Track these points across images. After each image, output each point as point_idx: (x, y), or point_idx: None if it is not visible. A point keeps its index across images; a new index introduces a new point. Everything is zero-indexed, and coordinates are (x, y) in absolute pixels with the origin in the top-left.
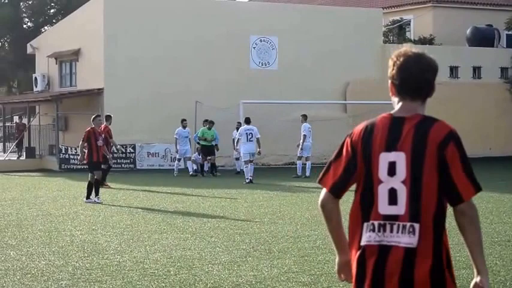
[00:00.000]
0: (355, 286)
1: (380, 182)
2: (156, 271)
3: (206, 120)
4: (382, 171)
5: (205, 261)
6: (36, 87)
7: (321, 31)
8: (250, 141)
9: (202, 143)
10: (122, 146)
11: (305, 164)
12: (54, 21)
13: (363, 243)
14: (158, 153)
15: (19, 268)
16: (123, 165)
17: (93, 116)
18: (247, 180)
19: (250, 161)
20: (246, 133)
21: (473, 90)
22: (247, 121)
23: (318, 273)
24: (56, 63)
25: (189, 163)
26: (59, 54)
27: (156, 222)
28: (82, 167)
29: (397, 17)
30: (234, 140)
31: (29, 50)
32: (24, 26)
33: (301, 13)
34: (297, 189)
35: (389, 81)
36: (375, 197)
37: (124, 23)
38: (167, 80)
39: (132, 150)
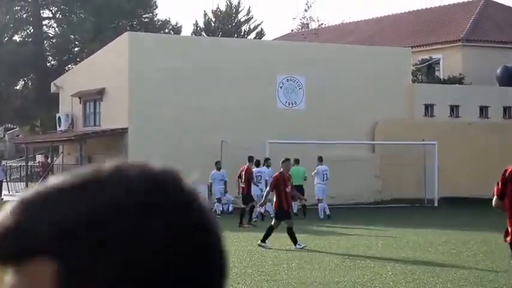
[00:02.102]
0: None
1: None
2: None
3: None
4: None
5: None
6: (59, 126)
7: (348, 70)
8: (259, 183)
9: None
10: None
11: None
12: (78, 59)
13: None
14: None
15: None
16: None
17: (283, 160)
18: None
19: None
20: (256, 176)
21: (503, 130)
22: (258, 164)
23: None
24: (80, 103)
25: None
26: (83, 93)
27: None
28: None
29: (426, 56)
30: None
31: (53, 89)
32: (48, 64)
33: (328, 52)
34: (324, 232)
35: None
36: None
37: (148, 62)
38: (192, 120)
39: None
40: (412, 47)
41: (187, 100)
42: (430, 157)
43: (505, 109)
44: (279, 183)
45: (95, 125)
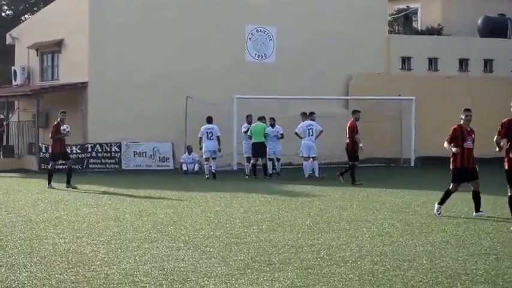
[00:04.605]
0: None
1: None
2: (147, 285)
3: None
4: None
5: (200, 273)
6: (15, 80)
7: (321, 21)
8: (210, 139)
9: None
10: (107, 144)
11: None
12: (35, 9)
13: None
14: (146, 152)
15: None
16: (107, 165)
17: (464, 108)
18: (206, 176)
19: (213, 158)
20: (207, 132)
21: (484, 84)
22: (209, 120)
23: (323, 287)
24: (37, 55)
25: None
26: (40, 45)
27: (145, 230)
28: (63, 167)
29: (403, 6)
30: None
31: (8, 40)
32: (3, 14)
33: (300, 1)
34: (296, 192)
35: None
36: None
37: (111, 13)
38: (156, 74)
39: (117, 149)
40: None
41: (151, 53)
42: (407, 113)
43: (485, 62)
44: (456, 137)
45: (52, 79)
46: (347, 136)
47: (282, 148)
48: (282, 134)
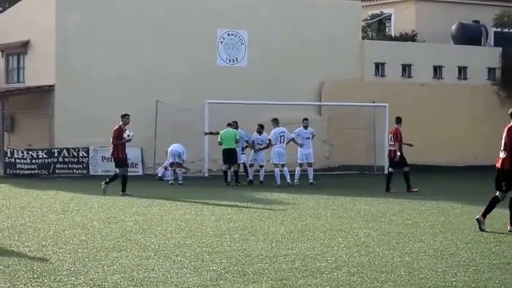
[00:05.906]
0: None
1: None
2: None
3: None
4: None
5: (171, 284)
6: None
7: (294, 26)
8: (177, 142)
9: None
10: (74, 149)
11: (282, 172)
12: (0, 9)
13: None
14: None
15: None
16: (74, 170)
17: None
18: (171, 182)
19: (178, 166)
20: (174, 145)
21: (458, 92)
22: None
23: None
24: (2, 56)
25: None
26: (5, 46)
27: (114, 238)
28: (30, 172)
29: (377, 11)
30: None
31: None
32: None
33: (273, 5)
34: (269, 200)
35: None
36: None
37: (78, 14)
38: (125, 77)
39: (85, 154)
40: (362, 0)
41: (120, 56)
42: (381, 120)
43: (460, 69)
44: None
45: (18, 81)
46: (391, 143)
47: (264, 156)
48: (268, 144)
